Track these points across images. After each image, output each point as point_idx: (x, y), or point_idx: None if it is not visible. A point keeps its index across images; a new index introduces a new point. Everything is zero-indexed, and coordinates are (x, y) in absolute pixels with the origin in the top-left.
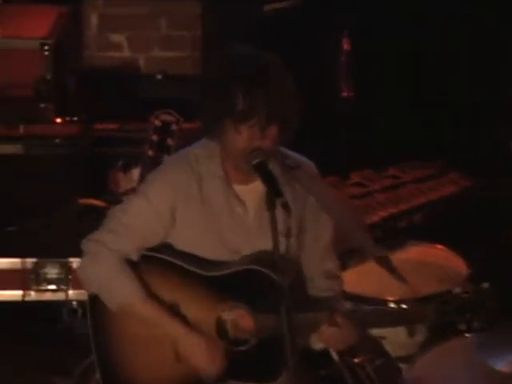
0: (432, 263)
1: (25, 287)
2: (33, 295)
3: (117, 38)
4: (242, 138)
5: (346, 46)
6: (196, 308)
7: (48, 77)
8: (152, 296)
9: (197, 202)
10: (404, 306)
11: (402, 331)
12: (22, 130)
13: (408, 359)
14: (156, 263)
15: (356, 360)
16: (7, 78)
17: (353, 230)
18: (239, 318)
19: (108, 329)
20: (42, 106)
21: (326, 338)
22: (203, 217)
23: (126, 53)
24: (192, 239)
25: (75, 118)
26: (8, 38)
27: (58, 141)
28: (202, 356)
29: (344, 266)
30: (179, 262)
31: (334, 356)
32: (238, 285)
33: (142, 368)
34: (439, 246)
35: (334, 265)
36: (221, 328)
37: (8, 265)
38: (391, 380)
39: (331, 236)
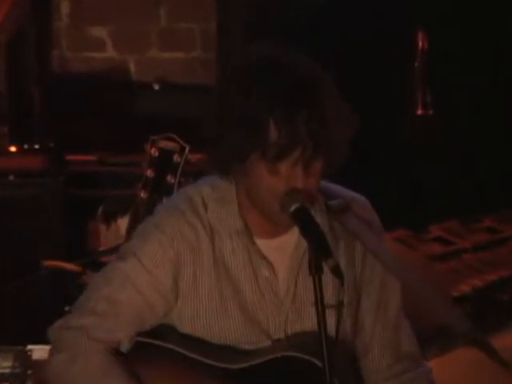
0: None
1: None
2: None
3: (97, 32)
4: (279, 179)
5: (421, 43)
6: None
7: None
8: None
9: (208, 264)
10: None
11: None
12: None
13: None
14: (155, 353)
15: None
16: None
17: (432, 301)
18: None
19: None
20: None
21: None
22: (217, 285)
23: (111, 53)
24: (203, 317)
25: (37, 146)
26: None
27: (13, 178)
28: None
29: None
30: (187, 352)
31: None
32: (270, 378)
33: None
34: None
35: (411, 344)
36: None
37: None
38: None
39: (400, 303)
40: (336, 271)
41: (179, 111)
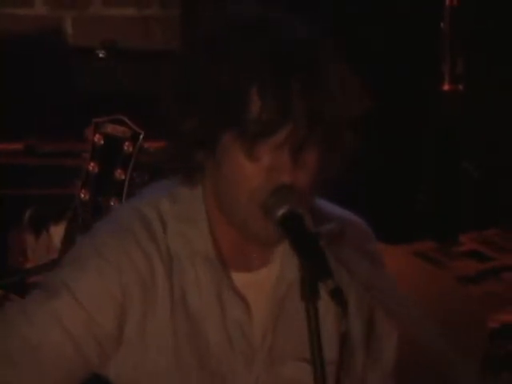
0: None
1: None
2: None
3: None
4: (260, 168)
5: None
6: None
7: None
8: None
9: (162, 305)
10: None
11: None
12: None
13: None
14: None
15: None
16: None
17: (448, 360)
18: None
19: None
20: None
21: None
22: (173, 331)
23: (41, 9)
24: (147, 371)
25: None
26: None
27: None
28: None
29: None
30: None
31: None
32: None
33: None
34: None
35: None
36: None
37: None
38: None
39: (394, 356)
40: (337, 295)
41: (131, 86)
